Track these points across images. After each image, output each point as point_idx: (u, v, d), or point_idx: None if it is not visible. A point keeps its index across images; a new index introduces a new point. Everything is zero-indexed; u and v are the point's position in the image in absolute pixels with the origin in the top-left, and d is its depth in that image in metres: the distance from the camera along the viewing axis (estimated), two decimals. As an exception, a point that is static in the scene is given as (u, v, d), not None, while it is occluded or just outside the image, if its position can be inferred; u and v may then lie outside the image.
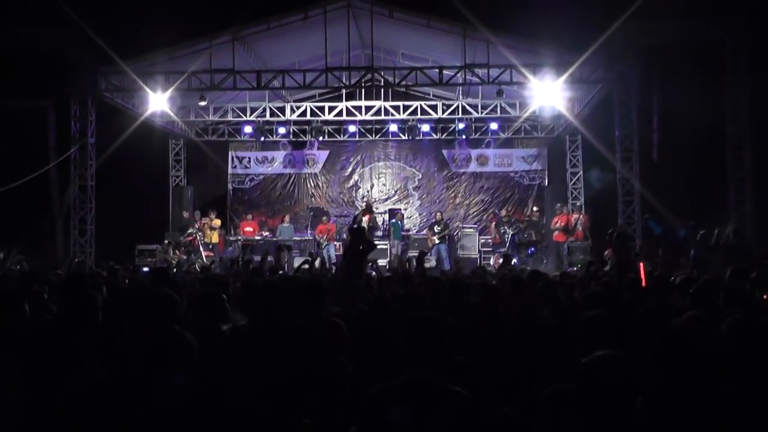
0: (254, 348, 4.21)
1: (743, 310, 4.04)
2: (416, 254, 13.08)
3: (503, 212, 18.92)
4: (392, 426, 2.81)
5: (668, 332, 2.57)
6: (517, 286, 5.26)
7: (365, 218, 16.76)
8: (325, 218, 18.45)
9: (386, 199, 20.62)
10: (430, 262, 16.39)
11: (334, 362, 4.16)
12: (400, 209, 19.53)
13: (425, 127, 19.07)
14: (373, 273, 10.51)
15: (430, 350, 2.99)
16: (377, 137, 20.14)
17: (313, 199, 20.69)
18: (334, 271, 12.39)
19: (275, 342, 4.20)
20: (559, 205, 17.34)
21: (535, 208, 19.24)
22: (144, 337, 4.00)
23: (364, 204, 18.61)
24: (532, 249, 17.11)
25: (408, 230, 19.19)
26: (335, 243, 17.73)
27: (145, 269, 13.64)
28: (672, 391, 2.34)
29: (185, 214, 17.91)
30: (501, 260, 13.71)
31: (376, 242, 17.35)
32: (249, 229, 18.38)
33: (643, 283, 6.59)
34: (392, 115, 18.53)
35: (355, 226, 13.15)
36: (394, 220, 18.07)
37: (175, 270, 12.92)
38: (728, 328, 2.88)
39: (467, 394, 2.88)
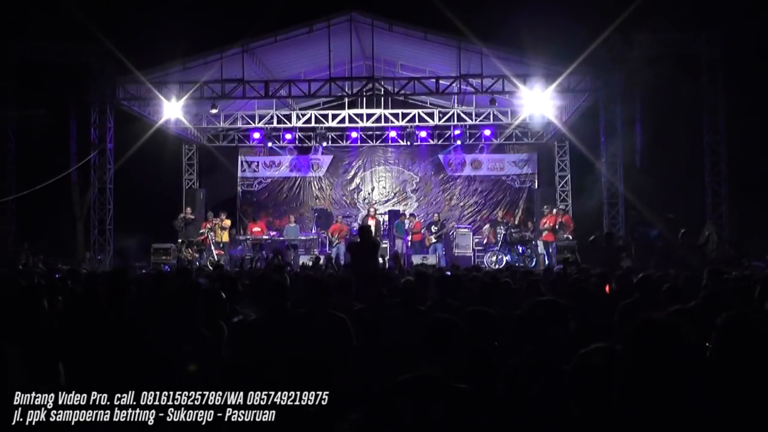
0: (260, 339, 4.24)
1: (732, 309, 3.96)
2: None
3: (499, 214, 19.14)
4: (398, 417, 2.86)
5: (640, 323, 2.57)
6: (496, 283, 5.45)
7: (372, 222, 16.84)
8: (339, 218, 18.62)
9: (386, 201, 20.65)
10: (428, 260, 16.44)
11: (336, 352, 4.19)
12: (404, 211, 19.50)
13: (423, 134, 19.19)
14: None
15: (441, 349, 3.02)
16: (378, 143, 20.20)
17: (317, 201, 20.72)
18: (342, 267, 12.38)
19: (281, 333, 4.23)
20: (546, 206, 17.35)
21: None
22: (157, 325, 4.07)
23: (366, 210, 18.90)
24: (522, 248, 17.15)
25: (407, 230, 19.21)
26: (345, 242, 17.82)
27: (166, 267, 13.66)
28: (642, 381, 2.33)
29: (182, 216, 17.48)
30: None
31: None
32: (257, 229, 18.42)
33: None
34: (392, 122, 18.59)
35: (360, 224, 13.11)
36: (397, 221, 18.09)
37: (188, 267, 12.95)
38: (721, 324, 2.82)
39: (471, 391, 2.91)
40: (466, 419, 2.87)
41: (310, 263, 11.85)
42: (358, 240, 9.04)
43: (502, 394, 3.12)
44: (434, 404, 2.86)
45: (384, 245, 17.48)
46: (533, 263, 16.16)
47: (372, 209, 18.88)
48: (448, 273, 6.82)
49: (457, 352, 3.07)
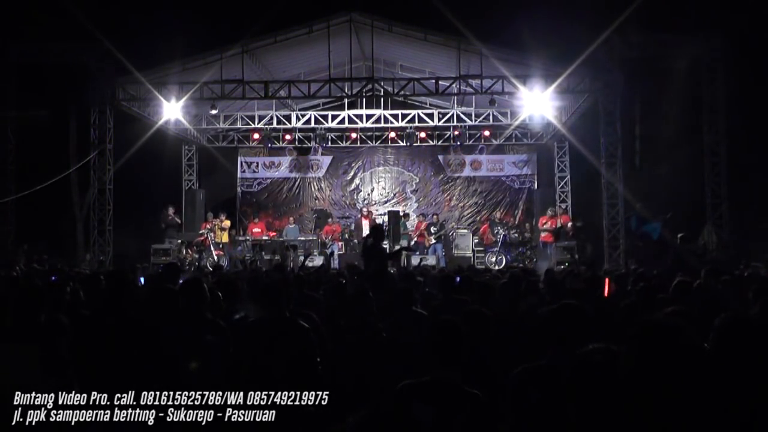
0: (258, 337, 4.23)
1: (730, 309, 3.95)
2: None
3: (496, 214, 19.17)
4: (416, 421, 2.86)
5: (644, 324, 2.57)
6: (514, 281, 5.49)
7: (365, 222, 16.84)
8: (330, 220, 18.58)
9: (385, 202, 20.65)
10: (428, 260, 16.44)
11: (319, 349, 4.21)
12: (405, 212, 19.48)
13: (422, 134, 19.16)
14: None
15: (452, 353, 3.02)
16: (377, 143, 20.19)
17: (317, 201, 20.73)
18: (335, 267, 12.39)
19: (278, 332, 4.22)
20: (550, 209, 17.31)
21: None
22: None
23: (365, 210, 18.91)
24: (522, 248, 17.15)
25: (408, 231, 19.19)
26: (339, 243, 17.86)
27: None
28: (646, 381, 2.32)
29: (169, 216, 17.41)
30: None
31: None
32: (257, 230, 18.44)
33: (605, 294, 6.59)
34: (391, 122, 18.59)
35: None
36: (402, 221, 18.09)
37: (188, 267, 12.96)
38: (719, 324, 2.82)
39: (485, 397, 2.91)
40: (484, 426, 2.87)
41: (310, 264, 11.84)
42: (371, 240, 9.00)
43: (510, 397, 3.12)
44: (458, 410, 2.87)
45: (384, 245, 17.51)
46: (533, 263, 16.17)
47: (366, 210, 18.89)
48: (458, 277, 6.76)
49: (463, 355, 3.07)
